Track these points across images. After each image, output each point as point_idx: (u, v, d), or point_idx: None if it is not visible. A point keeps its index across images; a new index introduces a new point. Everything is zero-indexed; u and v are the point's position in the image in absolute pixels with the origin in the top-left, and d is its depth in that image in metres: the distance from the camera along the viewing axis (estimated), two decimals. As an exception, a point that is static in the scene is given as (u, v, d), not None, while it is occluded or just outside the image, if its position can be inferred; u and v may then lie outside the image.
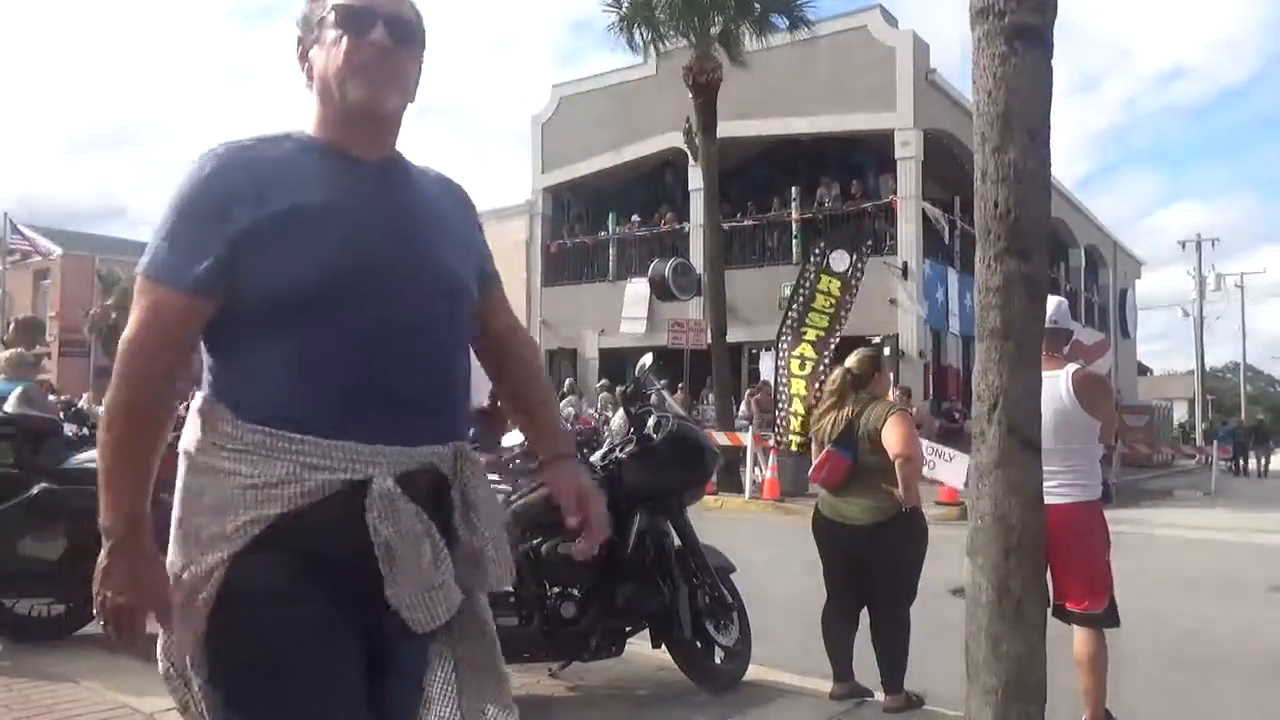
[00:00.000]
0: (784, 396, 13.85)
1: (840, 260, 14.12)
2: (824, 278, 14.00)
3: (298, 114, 1.64)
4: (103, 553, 1.40)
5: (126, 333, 1.41)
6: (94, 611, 1.42)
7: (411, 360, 1.47)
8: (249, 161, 1.44)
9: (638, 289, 20.11)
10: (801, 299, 14.05)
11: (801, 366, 13.62)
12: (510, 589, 3.77)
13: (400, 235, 1.50)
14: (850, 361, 4.25)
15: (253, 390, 1.42)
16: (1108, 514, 3.80)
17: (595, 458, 4.19)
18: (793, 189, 20.19)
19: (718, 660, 4.09)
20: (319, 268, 1.41)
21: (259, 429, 1.39)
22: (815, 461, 4.12)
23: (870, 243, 15.14)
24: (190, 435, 1.46)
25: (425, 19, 1.58)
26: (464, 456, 1.54)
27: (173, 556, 1.45)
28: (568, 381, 18.90)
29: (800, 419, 12.95)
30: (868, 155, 20.36)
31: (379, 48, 1.49)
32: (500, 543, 1.58)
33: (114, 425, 1.40)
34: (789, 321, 14.04)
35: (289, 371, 1.41)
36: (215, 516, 1.40)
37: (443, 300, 1.54)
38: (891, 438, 3.91)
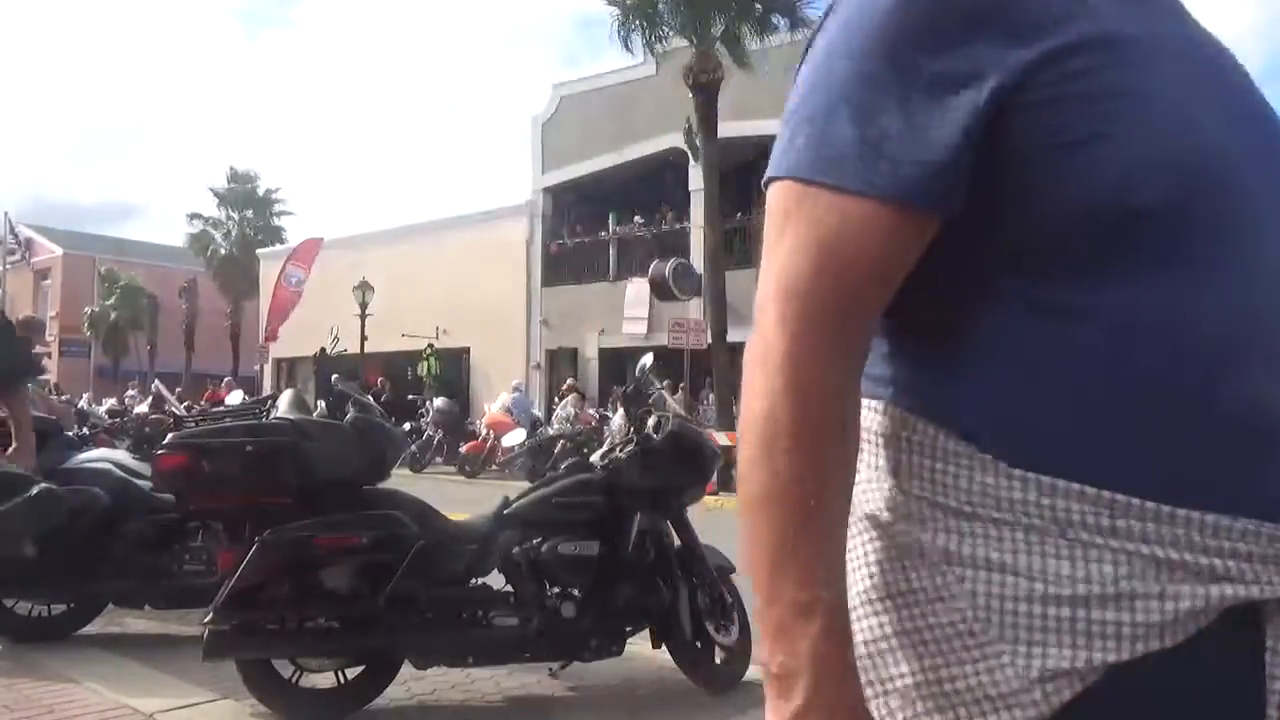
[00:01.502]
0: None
1: None
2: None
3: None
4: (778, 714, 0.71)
5: (777, 281, 0.75)
6: None
7: None
8: None
9: (638, 289, 20.11)
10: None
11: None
12: (510, 589, 3.79)
13: (1258, 115, 0.82)
14: None
15: (1020, 402, 0.73)
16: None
17: (595, 457, 4.22)
18: (793, 189, 20.19)
19: (718, 660, 4.09)
20: (1173, 159, 0.72)
21: (1050, 481, 0.71)
22: None
23: None
24: (875, 483, 0.81)
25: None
26: None
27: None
28: (569, 381, 18.97)
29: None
30: (868, 155, 20.34)
31: None
32: None
33: (777, 454, 0.74)
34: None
35: (1111, 365, 0.72)
36: (966, 653, 0.73)
37: None
38: None
